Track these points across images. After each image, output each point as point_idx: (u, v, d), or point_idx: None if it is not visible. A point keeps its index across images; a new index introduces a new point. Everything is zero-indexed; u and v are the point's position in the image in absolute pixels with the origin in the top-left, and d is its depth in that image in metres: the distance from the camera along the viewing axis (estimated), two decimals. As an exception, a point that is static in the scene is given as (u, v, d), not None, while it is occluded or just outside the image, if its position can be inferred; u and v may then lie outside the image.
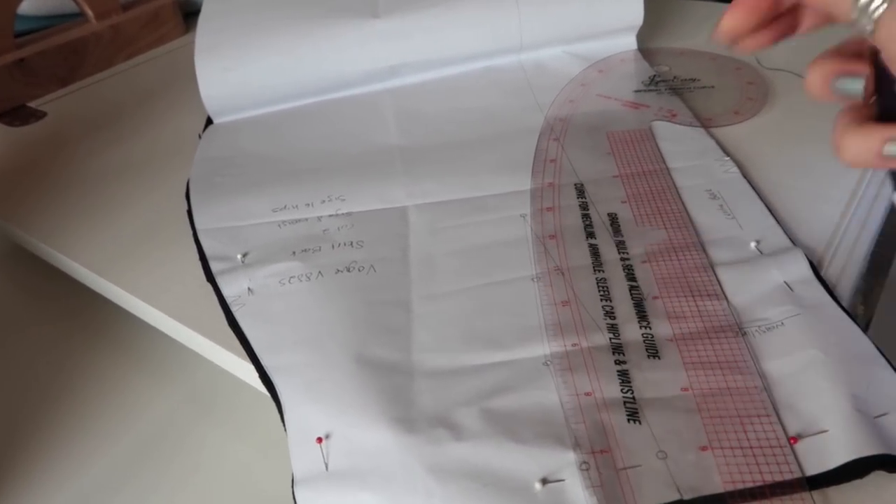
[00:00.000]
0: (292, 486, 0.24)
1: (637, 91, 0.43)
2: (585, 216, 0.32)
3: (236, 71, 0.44)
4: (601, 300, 0.28)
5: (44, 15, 0.59)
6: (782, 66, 0.45)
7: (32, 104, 0.54)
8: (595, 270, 0.29)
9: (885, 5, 0.19)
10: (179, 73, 0.56)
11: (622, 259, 0.30)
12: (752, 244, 0.30)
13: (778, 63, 0.45)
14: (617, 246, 0.30)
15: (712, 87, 0.43)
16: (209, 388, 0.34)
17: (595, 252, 0.30)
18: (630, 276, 0.29)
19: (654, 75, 0.44)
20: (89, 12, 0.58)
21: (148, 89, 0.55)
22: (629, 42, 0.47)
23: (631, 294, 0.28)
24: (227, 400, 0.34)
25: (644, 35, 0.48)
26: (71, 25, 0.58)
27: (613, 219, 0.32)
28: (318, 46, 0.44)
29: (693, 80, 0.44)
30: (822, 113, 0.40)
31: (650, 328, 0.26)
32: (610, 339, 0.26)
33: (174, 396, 0.34)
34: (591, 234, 0.31)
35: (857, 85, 0.22)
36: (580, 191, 0.34)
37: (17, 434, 0.33)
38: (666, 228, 0.31)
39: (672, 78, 0.44)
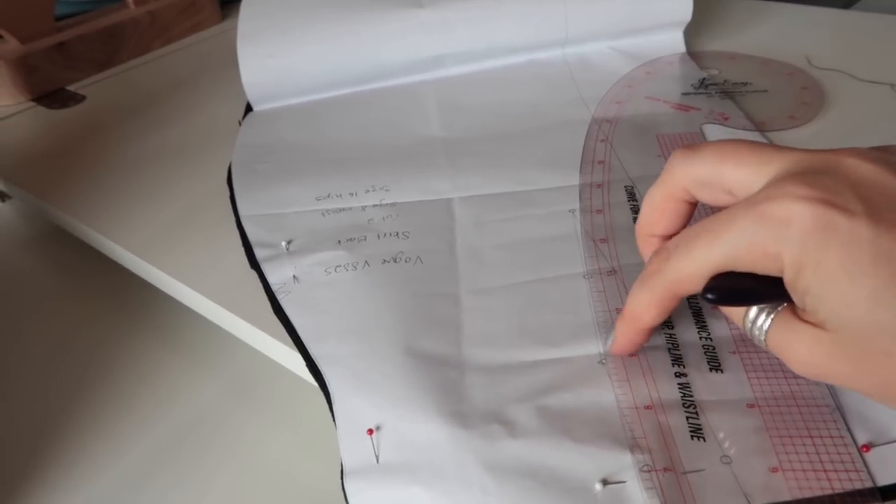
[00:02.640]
0: (341, 478, 0.23)
1: (686, 94, 0.42)
2: (637, 219, 0.32)
3: (278, 58, 0.44)
4: None
5: (83, -1, 0.60)
6: (834, 66, 0.44)
7: (71, 88, 0.54)
8: None
9: (769, 322, 0.21)
10: (215, 61, 0.56)
11: None
12: None
13: (829, 63, 0.44)
14: None
15: (765, 91, 0.42)
16: (247, 375, 0.34)
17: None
18: None
19: (704, 78, 0.43)
20: (128, -3, 0.58)
21: (184, 76, 0.55)
22: (676, 38, 0.46)
23: (689, 302, 0.27)
24: (266, 388, 0.33)
25: (687, 34, 0.47)
26: (110, 10, 0.58)
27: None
28: (362, 35, 0.44)
29: (744, 83, 0.43)
30: (880, 116, 0.39)
31: (710, 339, 0.25)
32: (669, 349, 0.25)
33: (212, 383, 0.34)
34: None
35: None
36: (631, 193, 0.33)
37: (53, 416, 0.33)
38: None
39: (723, 81, 0.43)
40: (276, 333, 0.29)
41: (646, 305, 0.23)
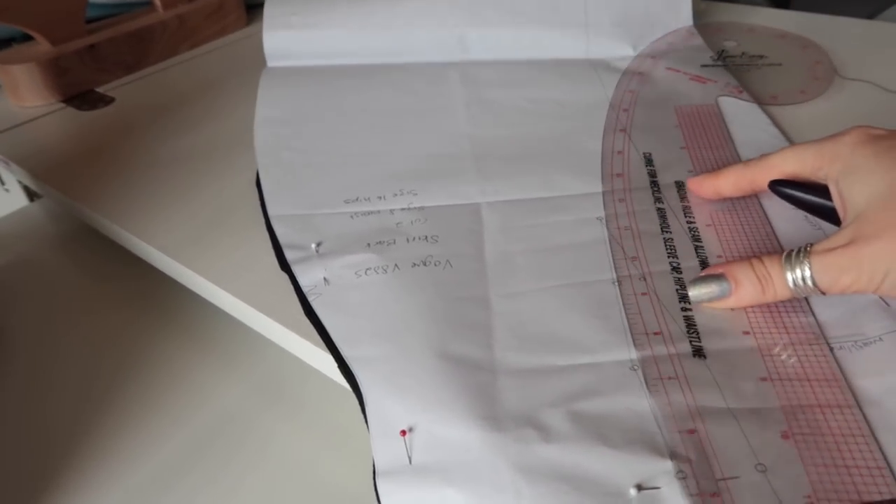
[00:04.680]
0: (374, 479, 0.24)
1: (705, 66, 0.43)
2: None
3: (302, 16, 0.45)
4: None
5: (113, 3, 0.60)
6: (861, 77, 0.44)
7: (100, 89, 0.55)
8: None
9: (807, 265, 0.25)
10: (242, 65, 0.57)
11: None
12: None
13: (857, 73, 0.44)
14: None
15: (780, 64, 0.43)
16: (276, 376, 0.35)
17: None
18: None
19: (723, 50, 0.45)
20: (157, 1, 0.58)
21: (211, 79, 0.55)
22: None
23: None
24: (295, 388, 0.34)
25: (711, 8, 0.48)
26: (139, 13, 0.59)
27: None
28: (388, 4, 0.45)
29: (760, 56, 0.44)
30: (890, 96, 0.39)
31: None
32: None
33: (241, 383, 0.34)
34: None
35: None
36: (649, 160, 0.36)
37: (85, 415, 0.33)
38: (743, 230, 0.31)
39: (740, 54, 0.44)
40: (307, 335, 0.29)
41: (730, 172, 0.31)
